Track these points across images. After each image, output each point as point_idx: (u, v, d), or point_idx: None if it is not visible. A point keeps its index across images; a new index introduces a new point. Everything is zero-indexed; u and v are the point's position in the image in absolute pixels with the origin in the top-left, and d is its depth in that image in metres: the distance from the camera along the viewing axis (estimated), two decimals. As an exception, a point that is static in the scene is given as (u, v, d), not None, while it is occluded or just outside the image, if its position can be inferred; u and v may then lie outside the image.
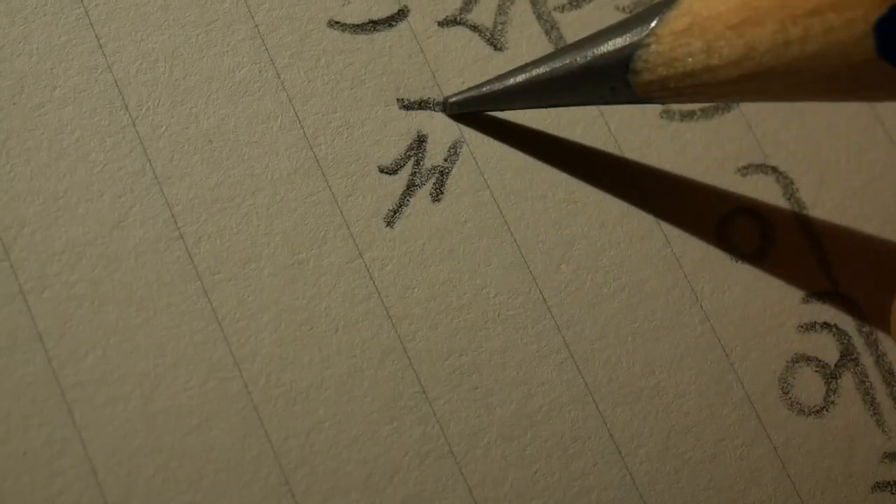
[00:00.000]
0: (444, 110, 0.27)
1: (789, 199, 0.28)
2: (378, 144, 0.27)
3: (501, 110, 0.27)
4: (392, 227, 0.26)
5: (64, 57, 0.25)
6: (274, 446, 0.24)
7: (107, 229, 0.24)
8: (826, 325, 0.27)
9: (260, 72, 0.26)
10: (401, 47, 0.27)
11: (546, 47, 0.28)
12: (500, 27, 0.28)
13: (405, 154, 0.27)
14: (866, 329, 0.28)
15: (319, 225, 0.26)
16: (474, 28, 0.28)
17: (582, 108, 0.28)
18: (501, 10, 0.28)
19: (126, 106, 0.25)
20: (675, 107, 0.28)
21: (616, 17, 0.28)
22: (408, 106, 0.27)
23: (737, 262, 0.27)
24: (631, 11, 0.29)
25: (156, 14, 0.26)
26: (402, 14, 0.28)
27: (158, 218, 0.25)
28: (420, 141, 0.27)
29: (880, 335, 0.28)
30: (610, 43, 0.23)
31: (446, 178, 0.27)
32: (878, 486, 0.27)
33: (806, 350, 0.27)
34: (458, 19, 0.28)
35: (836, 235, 0.28)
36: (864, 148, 0.29)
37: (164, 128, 0.25)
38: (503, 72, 0.26)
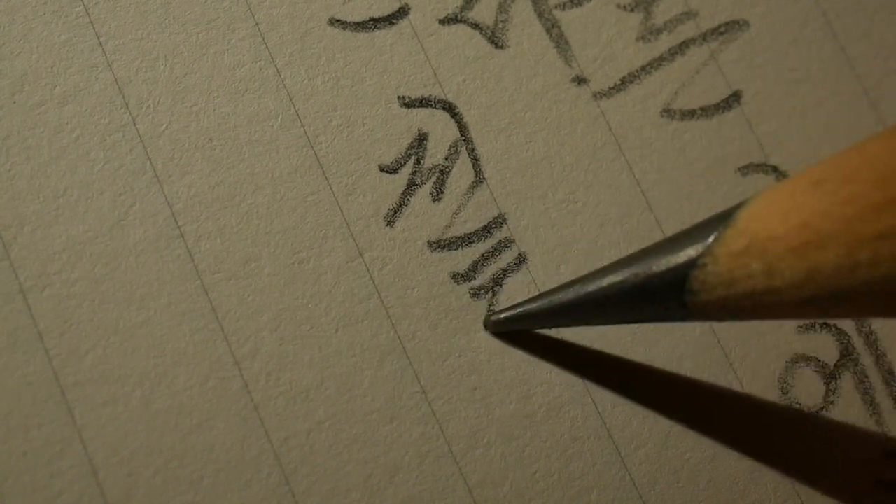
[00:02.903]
0: (485, 328, 0.26)
1: (790, 198, 0.28)
2: (378, 143, 0.26)
3: (548, 328, 0.26)
4: (392, 226, 0.26)
5: (64, 55, 0.25)
6: (274, 446, 0.24)
7: (107, 228, 0.24)
8: (826, 325, 0.27)
9: (260, 70, 0.26)
10: (401, 45, 0.27)
11: (547, 45, 0.28)
12: (500, 25, 0.28)
13: (406, 153, 0.27)
14: (866, 329, 0.28)
15: (319, 224, 0.26)
16: (475, 26, 0.28)
17: (580, 105, 0.28)
18: (502, 8, 0.28)
19: (126, 104, 0.25)
20: (675, 106, 0.28)
21: (617, 15, 0.28)
22: (408, 104, 0.27)
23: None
24: (632, 10, 0.29)
25: (156, 12, 0.26)
26: (402, 12, 0.27)
27: (159, 216, 0.25)
28: (421, 139, 0.27)
29: (880, 335, 0.28)
30: (664, 261, 0.22)
31: (446, 178, 0.27)
32: (878, 486, 0.27)
33: (806, 350, 0.27)
34: (459, 17, 0.28)
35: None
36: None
37: (164, 126, 0.25)
38: (547, 289, 0.25)
